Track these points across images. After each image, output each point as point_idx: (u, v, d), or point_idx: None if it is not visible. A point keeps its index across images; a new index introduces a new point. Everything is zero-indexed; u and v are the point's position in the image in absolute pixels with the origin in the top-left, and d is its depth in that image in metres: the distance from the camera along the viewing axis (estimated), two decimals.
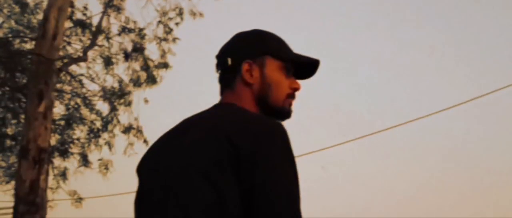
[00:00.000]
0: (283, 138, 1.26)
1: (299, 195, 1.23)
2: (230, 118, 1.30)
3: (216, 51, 1.52)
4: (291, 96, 1.45)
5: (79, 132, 9.82)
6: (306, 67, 1.49)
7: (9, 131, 10.09)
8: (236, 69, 1.42)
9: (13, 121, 9.80)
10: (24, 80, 9.00)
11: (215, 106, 1.42)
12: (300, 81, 1.48)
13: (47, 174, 7.82)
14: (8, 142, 10.00)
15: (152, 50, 11.31)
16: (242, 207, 1.19)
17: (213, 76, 1.51)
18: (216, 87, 1.49)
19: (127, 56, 10.08)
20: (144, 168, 1.39)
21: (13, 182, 10.08)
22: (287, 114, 1.45)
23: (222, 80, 1.46)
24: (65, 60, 8.78)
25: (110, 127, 9.67)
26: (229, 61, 1.43)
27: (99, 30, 9.40)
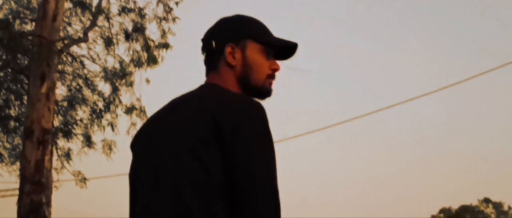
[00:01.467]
0: (262, 117, 1.37)
1: (276, 169, 1.35)
2: (214, 98, 1.41)
3: None
4: (271, 76, 1.55)
5: (82, 113, 9.88)
6: (284, 49, 1.58)
7: (12, 112, 10.14)
8: (220, 52, 1.52)
9: (16, 103, 9.85)
10: (26, 62, 9.02)
11: (201, 87, 1.53)
12: (279, 62, 1.59)
13: (51, 155, 7.91)
14: (12, 123, 10.06)
15: (152, 31, 11.29)
16: (226, 180, 1.31)
17: None
18: None
19: (127, 37, 10.08)
20: (138, 144, 1.51)
21: (18, 163, 10.18)
22: (267, 93, 1.55)
23: (207, 62, 1.56)
24: (66, 41, 8.80)
25: (112, 107, 9.72)
26: (214, 44, 1.53)
27: (99, 10, 9.38)
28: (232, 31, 1.54)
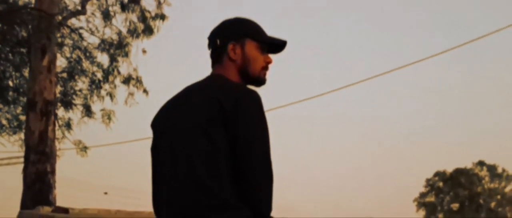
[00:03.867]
0: (257, 101, 1.71)
1: (269, 141, 1.70)
2: (219, 87, 1.74)
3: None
4: (265, 68, 1.89)
5: (81, 84, 10.08)
6: (276, 46, 1.92)
7: (11, 83, 10.30)
8: (224, 48, 1.84)
9: (16, 74, 10.01)
10: (24, 34, 9.16)
11: (209, 77, 1.86)
12: (272, 56, 1.92)
13: (54, 125, 8.15)
14: (11, 94, 10.24)
15: (149, 2, 11.35)
16: (229, 150, 1.65)
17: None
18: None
19: (123, 7, 10.19)
20: (157, 124, 1.85)
21: (19, 133, 10.43)
22: (262, 82, 1.89)
23: (213, 56, 1.88)
24: (64, 14, 8.93)
25: (111, 78, 9.91)
26: (218, 42, 1.85)
27: None
28: (234, 31, 1.85)
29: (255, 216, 1.63)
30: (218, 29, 1.90)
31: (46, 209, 4.30)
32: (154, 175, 1.82)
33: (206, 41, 1.93)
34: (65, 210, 4.08)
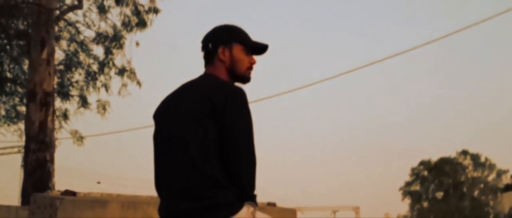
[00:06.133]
0: (243, 97, 2.03)
1: (253, 132, 2.01)
2: (210, 85, 2.06)
3: None
4: (250, 68, 2.21)
5: (78, 75, 10.37)
6: (259, 49, 2.24)
7: (9, 75, 10.56)
8: (215, 51, 2.16)
9: (13, 66, 10.27)
10: (22, 27, 9.43)
11: (202, 76, 2.18)
12: (255, 57, 2.23)
13: (53, 116, 8.49)
14: (9, 85, 10.50)
15: None
16: (218, 139, 1.95)
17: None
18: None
19: (118, 1, 10.48)
20: (159, 115, 2.18)
21: (17, 123, 10.73)
22: (247, 80, 2.21)
23: (205, 58, 2.20)
24: (62, 9, 9.21)
25: (106, 70, 10.21)
26: (210, 46, 2.17)
27: None
28: (223, 37, 2.17)
29: (241, 194, 1.95)
30: (210, 35, 2.21)
31: (56, 192, 4.71)
32: (156, 159, 2.12)
33: (197, 37, 2.20)
34: (73, 193, 4.45)
